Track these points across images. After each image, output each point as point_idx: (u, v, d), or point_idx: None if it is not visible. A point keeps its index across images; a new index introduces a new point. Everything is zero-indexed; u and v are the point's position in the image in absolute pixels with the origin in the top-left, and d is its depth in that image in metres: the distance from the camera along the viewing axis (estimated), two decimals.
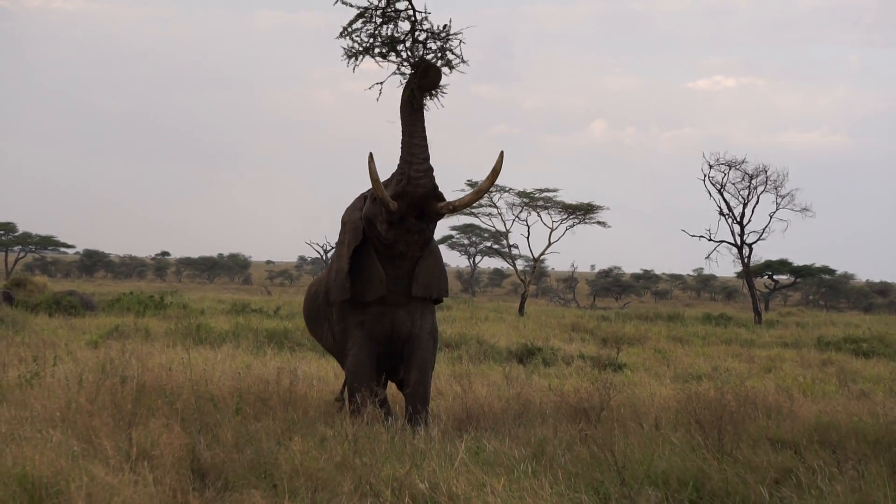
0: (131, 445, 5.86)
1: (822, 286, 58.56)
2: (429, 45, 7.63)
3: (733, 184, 30.87)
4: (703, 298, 68.11)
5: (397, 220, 7.49)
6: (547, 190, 34.91)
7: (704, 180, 30.72)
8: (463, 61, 7.65)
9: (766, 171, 30.74)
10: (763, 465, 6.29)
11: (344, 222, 8.11)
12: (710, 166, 30.70)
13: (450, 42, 7.60)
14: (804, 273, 45.70)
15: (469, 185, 32.07)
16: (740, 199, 30.92)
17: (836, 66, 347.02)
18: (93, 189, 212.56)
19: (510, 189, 34.63)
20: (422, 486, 5.52)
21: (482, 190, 7.73)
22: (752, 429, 7.42)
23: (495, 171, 7.59)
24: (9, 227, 60.60)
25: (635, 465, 6.21)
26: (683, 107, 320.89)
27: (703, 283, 72.37)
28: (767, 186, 30.82)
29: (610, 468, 6.02)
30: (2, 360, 9.83)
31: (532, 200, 34.70)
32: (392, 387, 8.90)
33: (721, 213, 31.03)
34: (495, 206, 34.77)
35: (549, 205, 34.84)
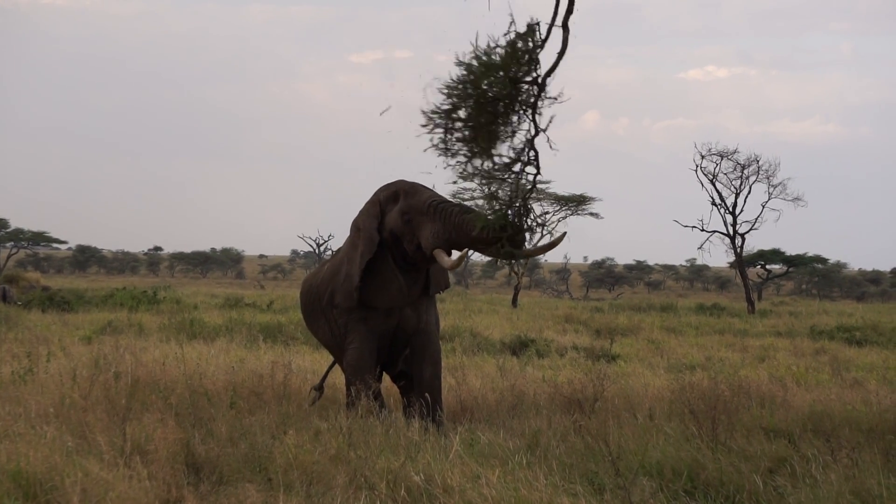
0: (125, 440, 5.84)
1: (814, 275, 58.71)
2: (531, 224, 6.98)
3: (725, 174, 31.00)
4: (696, 289, 68.29)
5: None
6: (539, 181, 34.80)
7: (696, 171, 30.84)
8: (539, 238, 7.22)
9: (758, 161, 30.89)
10: (757, 455, 6.30)
11: (358, 228, 7.87)
12: (702, 157, 30.81)
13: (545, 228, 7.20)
14: (797, 262, 45.73)
15: None
16: (732, 189, 31.02)
17: (828, 55, 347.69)
18: (85, 184, 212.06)
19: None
20: (416, 478, 5.52)
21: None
22: (746, 418, 7.44)
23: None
24: (1, 223, 60.44)
25: (629, 456, 6.23)
26: (676, 97, 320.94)
27: (696, 274, 72.54)
28: (759, 176, 30.95)
29: (604, 459, 6.03)
30: None
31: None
32: (386, 379, 8.89)
33: (713, 203, 31.10)
34: None
35: (541, 196, 34.79)
